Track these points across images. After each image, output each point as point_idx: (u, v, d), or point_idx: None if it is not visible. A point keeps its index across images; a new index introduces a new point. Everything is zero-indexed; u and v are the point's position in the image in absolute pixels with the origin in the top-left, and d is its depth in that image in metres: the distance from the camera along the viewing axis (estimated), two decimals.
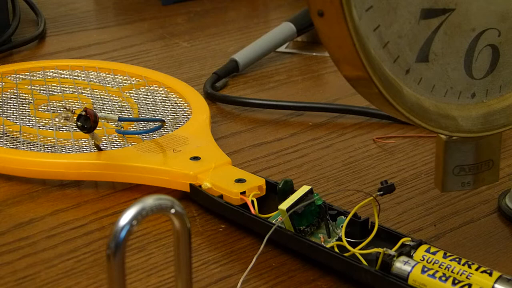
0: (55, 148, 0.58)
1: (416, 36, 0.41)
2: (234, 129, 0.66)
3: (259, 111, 0.69)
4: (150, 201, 0.34)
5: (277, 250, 0.49)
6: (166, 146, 0.57)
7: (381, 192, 0.45)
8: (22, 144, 0.58)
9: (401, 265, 0.43)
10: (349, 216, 0.46)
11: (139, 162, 0.55)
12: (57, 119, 0.62)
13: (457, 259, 0.43)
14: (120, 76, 0.72)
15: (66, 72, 0.72)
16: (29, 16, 0.94)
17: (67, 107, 0.55)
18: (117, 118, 0.56)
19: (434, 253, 0.44)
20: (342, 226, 0.46)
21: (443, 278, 0.42)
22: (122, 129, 0.60)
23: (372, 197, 0.45)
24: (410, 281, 0.43)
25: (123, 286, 0.34)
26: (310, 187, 0.49)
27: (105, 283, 0.45)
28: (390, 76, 0.41)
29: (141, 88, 0.69)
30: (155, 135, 0.60)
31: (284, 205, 0.47)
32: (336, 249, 0.46)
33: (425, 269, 0.42)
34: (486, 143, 0.45)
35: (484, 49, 0.43)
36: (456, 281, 0.41)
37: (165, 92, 0.68)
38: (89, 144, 0.58)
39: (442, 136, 0.44)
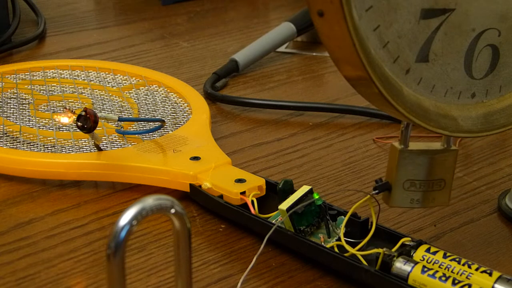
0: (55, 148, 0.58)
1: (416, 36, 0.41)
2: (234, 129, 0.66)
3: (259, 111, 0.69)
4: (150, 201, 0.34)
5: (277, 250, 0.49)
6: (166, 146, 0.57)
7: (377, 191, 0.45)
8: (22, 144, 0.58)
9: (401, 265, 0.43)
10: (347, 216, 0.46)
11: (139, 162, 0.55)
12: (57, 119, 0.62)
13: (457, 259, 0.43)
14: (120, 76, 0.72)
15: (66, 72, 0.72)
16: (29, 16, 0.94)
17: (67, 107, 0.55)
18: (117, 118, 0.56)
19: (434, 253, 0.44)
20: (341, 226, 0.46)
21: (443, 278, 0.42)
22: (122, 129, 0.60)
23: (369, 196, 0.45)
24: (410, 281, 0.43)
25: (123, 286, 0.34)
26: (310, 187, 0.49)
27: (105, 283, 0.45)
28: (390, 76, 0.41)
29: (141, 88, 0.69)
30: (155, 135, 0.60)
31: (284, 205, 0.47)
32: (336, 249, 0.46)
33: (425, 269, 0.42)
34: (441, 160, 0.44)
35: (484, 49, 0.43)
36: (456, 281, 0.41)
37: (165, 92, 0.68)
38: (89, 144, 0.58)
39: (396, 144, 0.44)
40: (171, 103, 0.66)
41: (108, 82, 0.70)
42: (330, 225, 0.48)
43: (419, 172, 0.44)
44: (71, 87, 0.69)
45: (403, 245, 0.45)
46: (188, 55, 0.83)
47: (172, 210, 0.34)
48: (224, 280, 0.46)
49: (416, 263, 0.43)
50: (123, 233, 0.33)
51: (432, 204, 0.46)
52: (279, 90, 0.74)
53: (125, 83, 0.70)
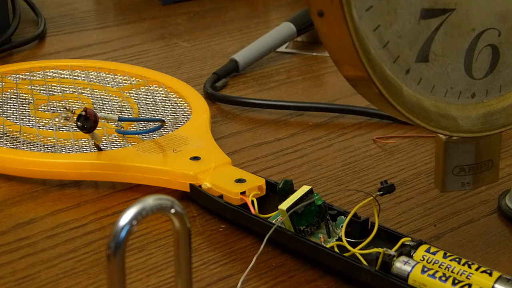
0: (55, 148, 0.58)
1: (416, 36, 0.41)
2: (234, 129, 0.66)
3: (259, 111, 0.69)
4: (150, 201, 0.34)
5: (277, 250, 0.49)
6: (166, 146, 0.57)
7: (381, 192, 0.45)
8: (22, 144, 0.58)
9: (401, 265, 0.43)
10: (349, 216, 0.46)
11: (139, 162, 0.55)
12: (57, 119, 0.62)
13: (457, 259, 0.43)
14: (120, 76, 0.72)
15: (66, 72, 0.72)
16: (29, 16, 0.94)
17: (67, 107, 0.55)
18: (117, 118, 0.56)
19: (434, 253, 0.44)
20: (342, 226, 0.46)
21: (443, 278, 0.42)
22: (122, 129, 0.60)
23: (372, 197, 0.45)
24: (410, 281, 0.43)
25: (123, 286, 0.34)
26: (310, 187, 0.49)
27: (105, 283, 0.45)
28: (390, 76, 0.41)
29: (141, 88, 0.69)
30: (155, 135, 0.60)
31: (284, 205, 0.47)
32: (336, 249, 0.46)
33: (425, 269, 0.42)
34: (486, 143, 0.45)
35: (484, 49, 0.43)
36: (456, 281, 0.41)
37: (165, 92, 0.68)
38: (89, 144, 0.58)
39: (441, 136, 0.44)
40: (171, 103, 0.66)
41: (108, 82, 0.70)
42: (330, 225, 0.48)
43: (467, 158, 0.45)
44: (71, 87, 0.69)
45: (403, 245, 0.45)
46: (188, 55, 0.83)
47: (172, 210, 0.34)
48: (224, 280, 0.46)
49: (416, 263, 0.43)
50: (123, 233, 0.33)
51: (483, 184, 0.47)
52: (279, 90, 0.74)
53: (125, 83, 0.70)
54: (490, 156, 0.46)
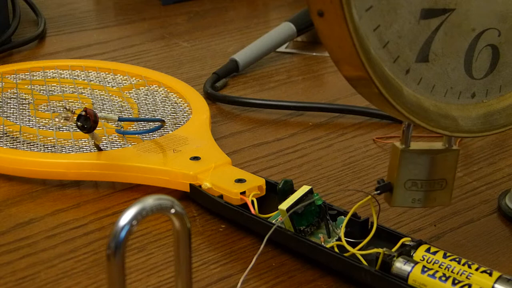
0: (55, 148, 0.58)
1: (416, 36, 0.41)
2: (234, 129, 0.66)
3: (259, 111, 0.69)
4: (150, 201, 0.34)
5: (277, 250, 0.49)
6: (166, 146, 0.57)
7: (378, 191, 0.45)
8: (22, 144, 0.58)
9: (401, 265, 0.43)
10: (348, 216, 0.46)
11: (139, 162, 0.55)
12: (57, 119, 0.62)
13: (457, 259, 0.43)
14: (120, 76, 0.72)
15: (66, 72, 0.72)
16: (29, 16, 0.94)
17: (67, 107, 0.55)
18: (117, 118, 0.56)
19: (434, 253, 0.44)
20: (342, 226, 0.46)
21: (443, 278, 0.42)
22: (122, 129, 0.60)
23: (370, 196, 0.45)
24: (410, 281, 0.43)
25: (123, 286, 0.34)
26: (310, 187, 0.49)
27: (105, 283, 0.45)
28: (390, 76, 0.41)
29: (141, 88, 0.69)
30: (155, 135, 0.60)
31: (284, 205, 0.47)
32: (336, 249, 0.46)
33: (425, 269, 0.42)
34: (443, 160, 0.44)
35: (484, 49, 0.43)
36: (456, 281, 0.41)
37: (165, 92, 0.68)
38: (89, 144, 0.58)
39: (397, 144, 0.44)
40: (171, 103, 0.66)
41: (108, 82, 0.70)
42: (330, 225, 0.48)
43: (421, 172, 0.44)
44: (71, 87, 0.69)
45: (403, 245, 0.45)
46: (188, 55, 0.83)
47: (172, 210, 0.34)
48: (224, 280, 0.46)
49: (416, 263, 0.43)
50: (123, 233, 0.33)
51: (434, 204, 0.46)
52: (279, 90, 0.74)
53: (125, 83, 0.70)
54: (444, 174, 0.45)
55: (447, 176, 0.45)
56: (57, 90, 0.69)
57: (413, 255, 0.44)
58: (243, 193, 0.51)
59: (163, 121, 0.59)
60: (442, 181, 0.45)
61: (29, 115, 0.63)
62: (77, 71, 0.72)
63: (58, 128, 0.61)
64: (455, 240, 0.50)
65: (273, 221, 0.48)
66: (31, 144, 0.58)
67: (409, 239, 0.45)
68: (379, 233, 0.47)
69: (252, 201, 0.50)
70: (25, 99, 0.66)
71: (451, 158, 0.45)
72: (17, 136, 0.60)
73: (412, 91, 0.42)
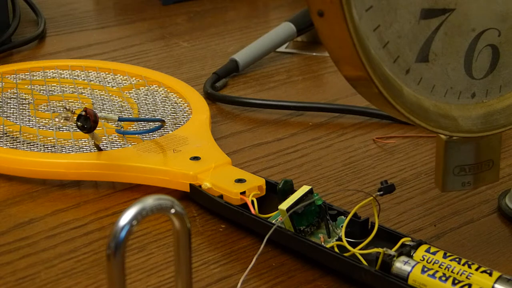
0: (55, 148, 0.58)
1: (416, 36, 0.41)
2: (234, 129, 0.66)
3: (259, 111, 0.69)
4: (150, 201, 0.34)
5: (277, 250, 0.49)
6: (166, 146, 0.57)
7: (381, 192, 0.45)
8: (22, 144, 0.58)
9: (401, 265, 0.43)
10: (349, 216, 0.46)
11: (139, 162, 0.55)
12: (57, 119, 0.62)
13: (457, 259, 0.43)
14: (120, 76, 0.72)
15: (66, 72, 0.72)
16: (29, 16, 0.94)
17: (67, 107, 0.55)
18: (117, 118, 0.56)
19: (434, 253, 0.44)
20: (342, 226, 0.46)
21: (443, 278, 0.42)
22: (122, 129, 0.60)
23: (372, 197, 0.45)
24: (410, 281, 0.43)
25: (123, 286, 0.34)
26: (310, 187, 0.49)
27: (105, 283, 0.45)
28: (390, 76, 0.41)
29: (141, 88, 0.69)
30: (155, 135, 0.60)
31: (284, 205, 0.47)
32: (336, 249, 0.46)
33: (425, 269, 0.42)
34: (486, 143, 0.45)
35: (484, 49, 0.43)
36: (456, 281, 0.41)
37: (165, 92, 0.68)
38: (89, 144, 0.58)
39: (442, 136, 0.44)
40: (171, 103, 0.66)
41: (108, 82, 0.70)
42: (330, 225, 0.48)
43: (467, 157, 0.45)
44: (71, 87, 0.69)
45: (403, 245, 0.45)
46: (188, 55, 0.83)
47: (172, 210, 0.34)
48: (224, 280, 0.46)
49: (416, 263, 0.43)
50: (123, 233, 0.33)
51: (483, 183, 0.47)
52: (279, 90, 0.74)
53: (125, 83, 0.70)
54: (490, 156, 0.46)
55: (494, 156, 0.46)
56: (57, 90, 0.69)
57: (413, 255, 0.44)
58: (243, 193, 0.51)
59: (163, 121, 0.59)
60: (489, 161, 0.46)
61: (29, 115, 0.63)
62: (77, 71, 0.72)
63: (58, 128, 0.61)
64: (455, 240, 0.50)
65: (273, 221, 0.48)
66: (31, 144, 0.58)
67: (409, 239, 0.45)
68: (379, 233, 0.47)
69: (252, 201, 0.50)
70: (25, 99, 0.66)
71: (494, 140, 0.46)
72: (17, 136, 0.60)
73: (412, 91, 0.42)
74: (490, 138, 0.45)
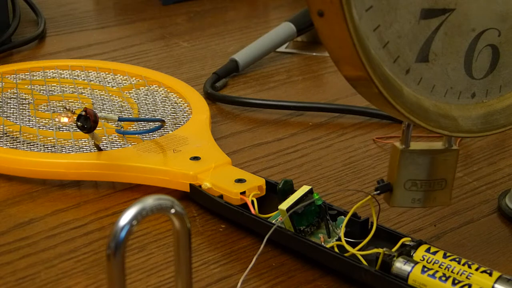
0: (55, 148, 0.58)
1: (416, 36, 0.41)
2: (234, 129, 0.66)
3: (259, 111, 0.69)
4: (150, 201, 0.34)
5: (277, 250, 0.49)
6: (166, 146, 0.57)
7: (378, 191, 0.45)
8: (22, 144, 0.58)
9: (401, 265, 0.43)
10: (348, 216, 0.46)
11: (139, 162, 0.55)
12: (57, 119, 0.62)
13: (457, 259, 0.43)
14: (120, 76, 0.72)
15: (66, 72, 0.72)
16: (29, 16, 0.94)
17: (67, 107, 0.55)
18: (117, 118, 0.56)
19: (434, 253, 0.44)
20: (341, 226, 0.46)
21: (443, 278, 0.42)
22: (122, 129, 0.60)
23: (370, 196, 0.45)
24: (410, 281, 0.43)
25: (123, 286, 0.34)
26: (310, 187, 0.49)
27: (105, 283, 0.45)
28: (390, 76, 0.41)
29: (141, 88, 0.69)
30: (155, 135, 0.60)
31: (284, 205, 0.47)
32: (336, 249, 0.46)
33: (425, 269, 0.42)
34: (442, 160, 0.45)
35: (484, 49, 0.43)
36: (456, 281, 0.41)
37: (165, 92, 0.68)
38: (89, 144, 0.58)
39: (397, 145, 0.44)
40: (171, 103, 0.66)
41: (108, 82, 0.70)
42: (330, 225, 0.48)
43: (420, 172, 0.44)
44: (71, 87, 0.69)
45: (403, 245, 0.45)
46: (188, 55, 0.83)
47: (172, 210, 0.34)
48: (224, 280, 0.46)
49: (416, 263, 0.43)
50: (123, 233, 0.33)
51: (433, 204, 0.46)
52: (279, 90, 0.74)
53: (125, 83, 0.70)
54: (444, 174, 0.45)
55: (447, 176, 0.45)
56: (57, 90, 0.69)
57: (413, 255, 0.44)
58: (243, 193, 0.51)
59: (163, 121, 0.59)
60: (442, 181, 0.45)
61: (29, 115, 0.63)
62: (77, 71, 0.72)
63: (58, 128, 0.61)
64: (455, 240, 0.50)
65: (273, 221, 0.48)
66: (31, 144, 0.58)
67: (409, 239, 0.45)
68: (379, 233, 0.47)
69: (252, 201, 0.50)
70: (25, 99, 0.66)
71: (451, 158, 0.45)
72: (17, 136, 0.60)
73: (412, 91, 0.42)
74: (447, 155, 0.44)
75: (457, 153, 0.45)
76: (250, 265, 0.44)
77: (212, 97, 0.71)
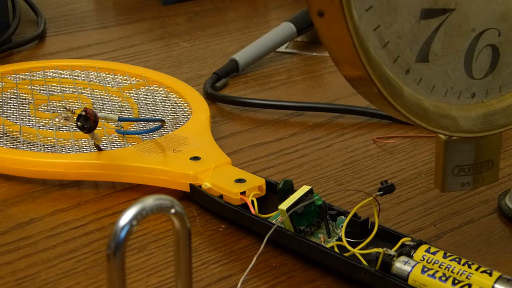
0: (55, 148, 0.58)
1: (416, 36, 0.41)
2: (234, 129, 0.66)
3: (259, 111, 0.69)
4: (150, 201, 0.34)
5: (277, 250, 0.49)
6: (166, 146, 0.57)
7: (381, 192, 0.45)
8: (22, 144, 0.58)
9: (401, 265, 0.43)
10: (349, 216, 0.46)
11: (139, 162, 0.55)
12: (57, 119, 0.62)
13: (457, 259, 0.43)
14: (120, 76, 0.72)
15: (66, 72, 0.72)
16: (29, 16, 0.94)
17: (67, 107, 0.55)
18: (117, 118, 0.56)
19: (434, 253, 0.44)
20: (342, 226, 0.46)
21: (443, 278, 0.42)
22: (122, 129, 0.60)
23: (372, 197, 0.45)
24: (410, 281, 0.43)
25: (123, 286, 0.34)
26: (310, 187, 0.49)
27: (105, 283, 0.45)
28: (390, 76, 0.41)
29: (141, 88, 0.69)
30: (155, 135, 0.60)
31: (284, 205, 0.47)
32: (336, 249, 0.46)
33: (425, 269, 0.42)
34: (486, 143, 0.45)
35: (484, 49, 0.43)
36: (456, 281, 0.41)
37: (165, 92, 0.68)
38: (89, 144, 0.58)
39: (441, 136, 0.44)
40: (171, 103, 0.66)
41: (108, 82, 0.70)
42: (330, 225, 0.48)
43: (467, 157, 0.45)
44: (71, 87, 0.69)
45: (403, 245, 0.45)
46: (188, 55, 0.83)
47: (172, 210, 0.34)
48: (224, 280, 0.46)
49: (416, 263, 0.43)
50: (123, 233, 0.33)
51: (482, 184, 0.47)
52: (279, 90, 0.74)
53: (125, 83, 0.70)
54: (490, 156, 0.46)
55: (493, 157, 0.46)
56: (57, 90, 0.69)
57: (413, 255, 0.44)
58: (243, 193, 0.51)
59: (163, 121, 0.59)
60: (489, 162, 0.46)
61: (29, 115, 0.63)
62: (77, 71, 0.72)
63: (58, 128, 0.61)
64: (455, 240, 0.50)
65: (273, 221, 0.48)
66: (31, 144, 0.58)
67: (409, 239, 0.45)
68: (379, 233, 0.47)
69: (252, 201, 0.50)
70: (25, 99, 0.66)
71: (494, 140, 0.45)
72: (17, 136, 0.60)
73: (412, 91, 0.42)
74: (490, 138, 0.45)
75: (500, 134, 0.45)
76: (250, 265, 0.44)
77: (212, 97, 0.71)
